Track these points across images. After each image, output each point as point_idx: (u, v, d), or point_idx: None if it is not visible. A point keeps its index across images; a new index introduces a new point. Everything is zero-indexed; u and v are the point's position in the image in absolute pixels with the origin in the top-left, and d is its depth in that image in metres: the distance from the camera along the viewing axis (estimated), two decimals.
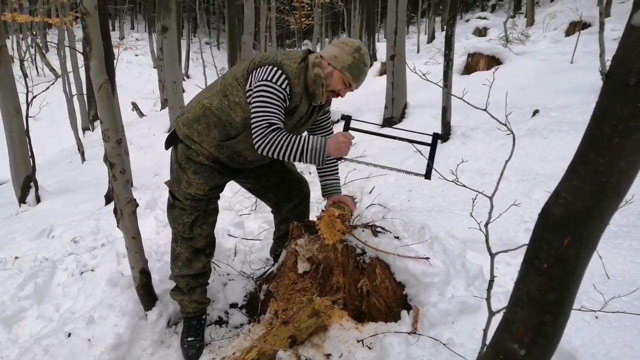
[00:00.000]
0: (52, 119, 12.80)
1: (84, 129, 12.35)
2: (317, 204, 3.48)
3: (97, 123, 12.10)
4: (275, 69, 1.92)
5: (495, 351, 1.15)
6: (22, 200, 5.88)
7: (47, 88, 6.65)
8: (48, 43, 21.53)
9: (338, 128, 2.26)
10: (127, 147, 5.52)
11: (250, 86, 1.94)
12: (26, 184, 5.90)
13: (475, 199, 1.61)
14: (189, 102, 2.20)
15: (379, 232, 2.23)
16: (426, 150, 2.07)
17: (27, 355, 2.13)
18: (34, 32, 19.99)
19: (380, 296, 2.13)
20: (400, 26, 6.12)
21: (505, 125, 1.35)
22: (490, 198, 1.42)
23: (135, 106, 12.31)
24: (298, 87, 1.97)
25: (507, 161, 1.39)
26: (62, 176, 8.28)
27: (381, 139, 5.61)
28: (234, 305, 2.47)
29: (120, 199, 2.14)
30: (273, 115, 1.87)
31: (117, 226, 2.21)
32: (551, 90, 6.02)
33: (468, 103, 1.58)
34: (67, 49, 11.36)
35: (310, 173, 4.70)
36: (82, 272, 3.23)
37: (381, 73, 9.93)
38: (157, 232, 3.71)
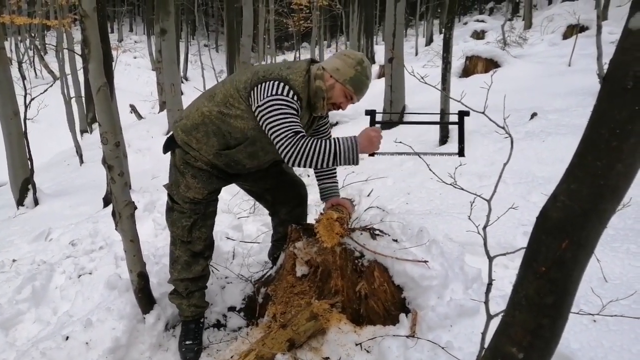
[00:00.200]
0: (51, 122, 12.78)
1: (82, 132, 12.33)
2: (315, 207, 3.48)
3: (95, 125, 12.09)
4: (282, 84, 1.88)
5: (494, 354, 1.15)
6: (20, 202, 5.87)
7: (46, 90, 6.64)
8: (46, 45, 21.53)
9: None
10: (126, 149, 5.52)
11: (257, 102, 1.89)
12: (24, 187, 5.89)
13: (473, 202, 1.61)
14: (188, 106, 2.18)
15: (377, 235, 2.23)
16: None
17: (25, 358, 2.12)
18: (33, 34, 19.99)
19: (378, 299, 2.13)
20: (399, 29, 6.14)
21: (503, 128, 1.36)
22: (489, 201, 1.42)
23: (133, 109, 12.30)
24: (303, 100, 1.96)
25: (505, 164, 1.40)
26: (60, 179, 8.27)
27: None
28: (232, 309, 2.47)
29: (119, 201, 2.14)
30: (295, 124, 1.83)
31: (116, 229, 2.21)
32: (549, 93, 6.04)
33: (466, 106, 1.58)
34: (65, 51, 11.35)
35: (308, 176, 4.70)
36: (80, 275, 3.23)
37: (379, 76, 9.94)
38: (155, 235, 3.70)
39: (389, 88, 6.18)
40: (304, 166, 1.83)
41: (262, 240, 3.26)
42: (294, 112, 1.87)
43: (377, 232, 2.25)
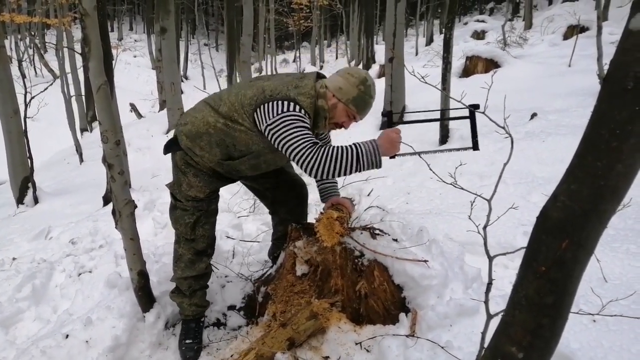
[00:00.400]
0: (51, 120, 12.77)
1: (82, 130, 12.33)
2: (315, 206, 3.48)
3: (95, 124, 12.10)
4: (291, 104, 1.86)
5: (494, 354, 1.16)
6: (20, 201, 5.87)
7: (46, 89, 6.63)
8: (46, 44, 21.53)
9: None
10: (126, 148, 5.52)
11: (267, 121, 1.86)
12: (24, 185, 5.89)
13: (473, 201, 1.62)
14: (192, 110, 2.15)
15: (378, 234, 2.23)
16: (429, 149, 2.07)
17: (25, 356, 2.12)
18: (33, 33, 19.98)
19: (378, 299, 2.13)
20: (399, 29, 6.14)
21: (503, 128, 1.36)
22: (489, 201, 1.42)
23: (133, 107, 12.29)
24: (311, 114, 1.94)
25: (505, 164, 1.40)
26: (60, 177, 8.27)
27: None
28: (232, 308, 2.47)
29: (119, 200, 2.14)
30: (310, 136, 1.81)
31: (116, 227, 2.21)
32: (549, 93, 6.04)
33: (466, 106, 1.59)
34: (65, 49, 11.35)
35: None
36: (80, 274, 3.23)
37: (380, 75, 9.96)
38: (155, 233, 3.70)
39: (389, 88, 6.19)
40: (327, 176, 1.78)
41: (262, 239, 3.26)
42: (307, 126, 1.84)
43: (377, 231, 2.25)
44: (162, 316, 2.37)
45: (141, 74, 22.32)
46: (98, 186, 5.84)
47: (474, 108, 1.94)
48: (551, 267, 1.00)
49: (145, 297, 2.34)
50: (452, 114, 2.00)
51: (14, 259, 3.65)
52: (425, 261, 2.09)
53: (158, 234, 3.68)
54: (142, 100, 14.88)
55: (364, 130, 5.74)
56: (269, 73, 19.15)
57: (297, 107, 1.86)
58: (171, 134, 2.49)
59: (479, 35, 15.54)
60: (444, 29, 5.30)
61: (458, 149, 2.17)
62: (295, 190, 2.50)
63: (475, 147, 2.04)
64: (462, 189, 1.57)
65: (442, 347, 1.84)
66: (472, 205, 1.65)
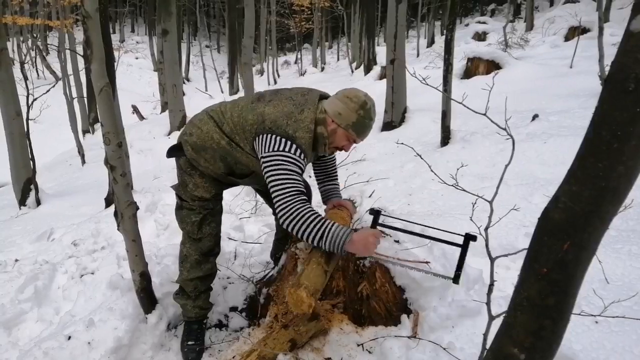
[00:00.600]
0: (53, 122, 12.81)
1: (84, 132, 12.36)
2: (317, 208, 3.48)
3: (97, 126, 12.12)
4: (289, 143, 1.84)
5: (495, 355, 1.16)
6: (22, 202, 5.89)
7: (48, 91, 6.65)
8: (48, 46, 21.57)
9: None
10: (128, 150, 5.53)
11: (262, 152, 1.86)
12: (26, 187, 5.90)
13: (475, 203, 1.62)
14: (196, 119, 2.13)
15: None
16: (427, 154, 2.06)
17: (27, 358, 2.13)
18: (35, 35, 20.02)
19: (380, 300, 2.13)
20: (400, 30, 6.15)
21: (504, 129, 1.36)
22: (490, 202, 1.42)
23: (135, 109, 12.33)
24: (309, 155, 1.93)
25: (506, 165, 1.40)
26: (63, 179, 8.29)
27: (381, 142, 5.64)
28: (234, 309, 2.47)
29: (121, 201, 2.15)
30: (297, 183, 1.80)
31: (118, 229, 2.22)
32: (550, 94, 6.04)
33: (468, 108, 1.59)
34: (67, 51, 11.36)
35: (310, 177, 4.71)
36: (82, 275, 3.24)
37: (381, 77, 9.95)
38: (157, 235, 3.71)
39: (390, 89, 6.19)
40: (292, 232, 1.80)
41: (263, 241, 3.26)
42: (298, 170, 1.84)
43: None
44: (164, 317, 2.37)
45: (143, 75, 22.36)
46: (100, 188, 5.86)
47: (470, 238, 1.87)
48: (553, 268, 1.00)
49: (148, 299, 2.35)
50: (446, 236, 1.86)
51: (16, 260, 3.67)
52: (427, 262, 2.09)
53: (160, 236, 3.69)
54: (144, 102, 14.91)
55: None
56: (271, 74, 19.24)
57: (294, 148, 1.84)
58: (173, 136, 2.49)
59: (480, 36, 15.53)
60: (445, 31, 5.30)
61: (436, 274, 2.03)
62: None
63: (455, 279, 1.96)
64: (464, 190, 1.57)
65: (444, 349, 1.84)
66: (473, 206, 1.65)
